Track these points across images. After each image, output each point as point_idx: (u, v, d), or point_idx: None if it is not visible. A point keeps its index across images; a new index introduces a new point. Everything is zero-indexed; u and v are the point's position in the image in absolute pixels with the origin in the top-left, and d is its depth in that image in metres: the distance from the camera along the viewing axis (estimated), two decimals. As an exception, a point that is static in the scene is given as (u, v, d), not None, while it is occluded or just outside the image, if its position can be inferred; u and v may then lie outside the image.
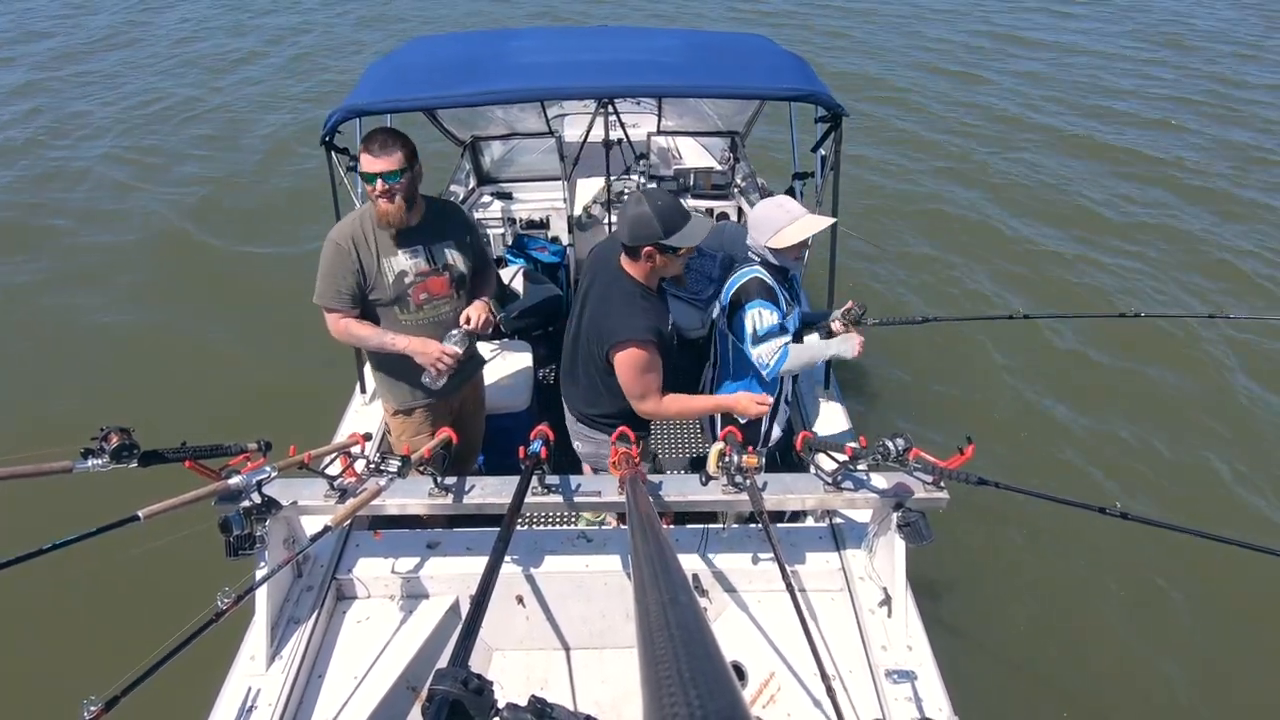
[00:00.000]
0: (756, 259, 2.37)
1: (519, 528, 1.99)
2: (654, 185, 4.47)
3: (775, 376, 2.33)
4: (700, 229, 2.07)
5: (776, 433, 2.62)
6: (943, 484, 1.76)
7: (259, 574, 1.72)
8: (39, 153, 8.18)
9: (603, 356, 2.20)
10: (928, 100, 9.36)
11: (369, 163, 2.10)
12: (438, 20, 13.08)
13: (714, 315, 2.56)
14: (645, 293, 2.17)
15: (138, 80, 10.34)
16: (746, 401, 2.27)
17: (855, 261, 5.83)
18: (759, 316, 2.26)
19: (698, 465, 3.71)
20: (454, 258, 2.36)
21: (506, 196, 4.59)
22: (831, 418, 2.91)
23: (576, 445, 2.61)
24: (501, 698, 0.78)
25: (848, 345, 2.36)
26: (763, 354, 2.27)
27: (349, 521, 1.73)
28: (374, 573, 1.99)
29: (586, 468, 2.75)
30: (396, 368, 2.42)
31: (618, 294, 2.16)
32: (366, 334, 2.29)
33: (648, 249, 2.05)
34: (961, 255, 6.20)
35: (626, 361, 2.12)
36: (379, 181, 2.10)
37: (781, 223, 2.26)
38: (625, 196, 4.43)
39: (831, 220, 2.33)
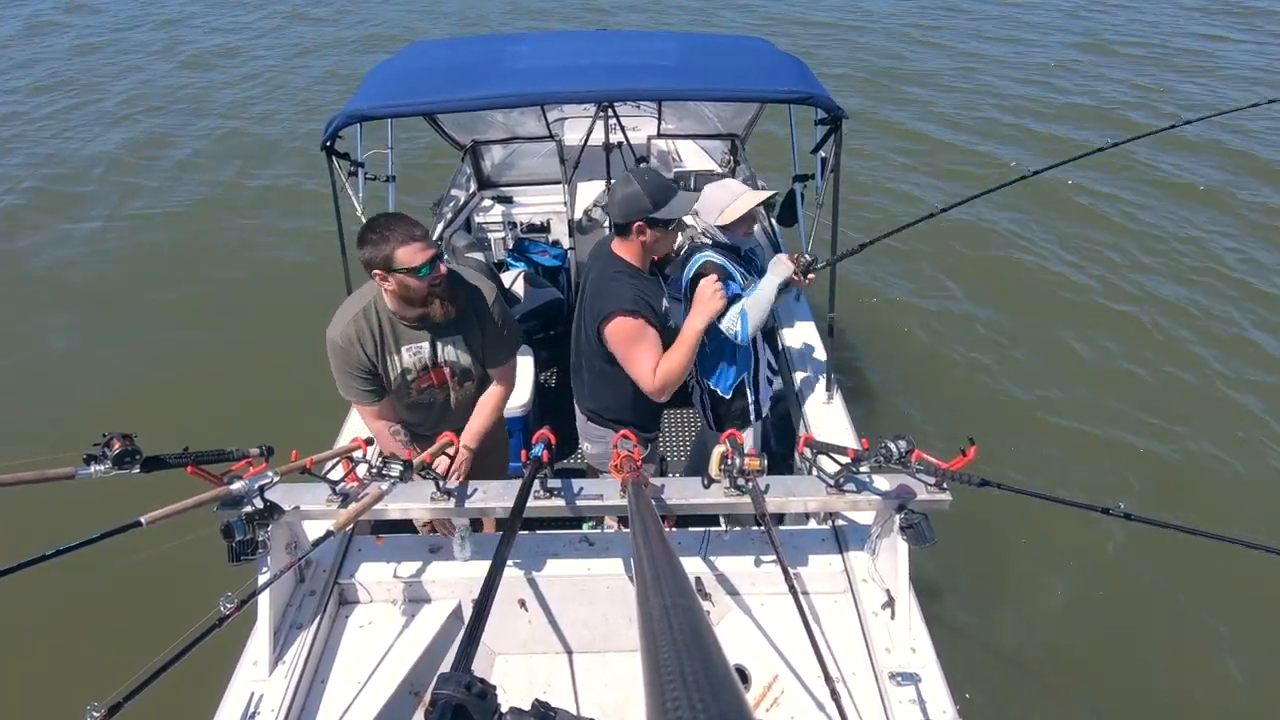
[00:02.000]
0: (708, 241, 2.49)
1: (521, 531, 1.99)
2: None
3: (748, 339, 2.41)
4: (687, 202, 2.16)
5: (766, 406, 2.68)
6: (945, 485, 1.75)
7: (261, 579, 1.72)
8: (31, 150, 8.21)
9: (596, 337, 2.24)
10: (928, 98, 9.36)
11: (419, 252, 1.84)
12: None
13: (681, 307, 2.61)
14: (634, 271, 2.22)
15: (129, 78, 10.37)
16: (705, 299, 2.18)
17: (856, 261, 5.83)
18: None
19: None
20: (456, 354, 2.17)
21: (507, 200, 4.60)
22: (833, 420, 2.91)
23: (586, 447, 2.61)
24: (505, 702, 0.78)
25: (779, 268, 2.41)
26: (729, 323, 2.38)
27: (351, 526, 1.73)
28: (376, 577, 1.99)
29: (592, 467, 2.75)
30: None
31: (607, 274, 2.22)
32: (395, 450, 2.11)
33: (638, 224, 2.13)
34: (964, 250, 6.20)
35: (614, 334, 2.16)
36: (439, 266, 1.88)
37: (725, 201, 2.41)
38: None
39: (770, 193, 2.46)
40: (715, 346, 2.54)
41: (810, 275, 2.48)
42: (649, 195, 2.08)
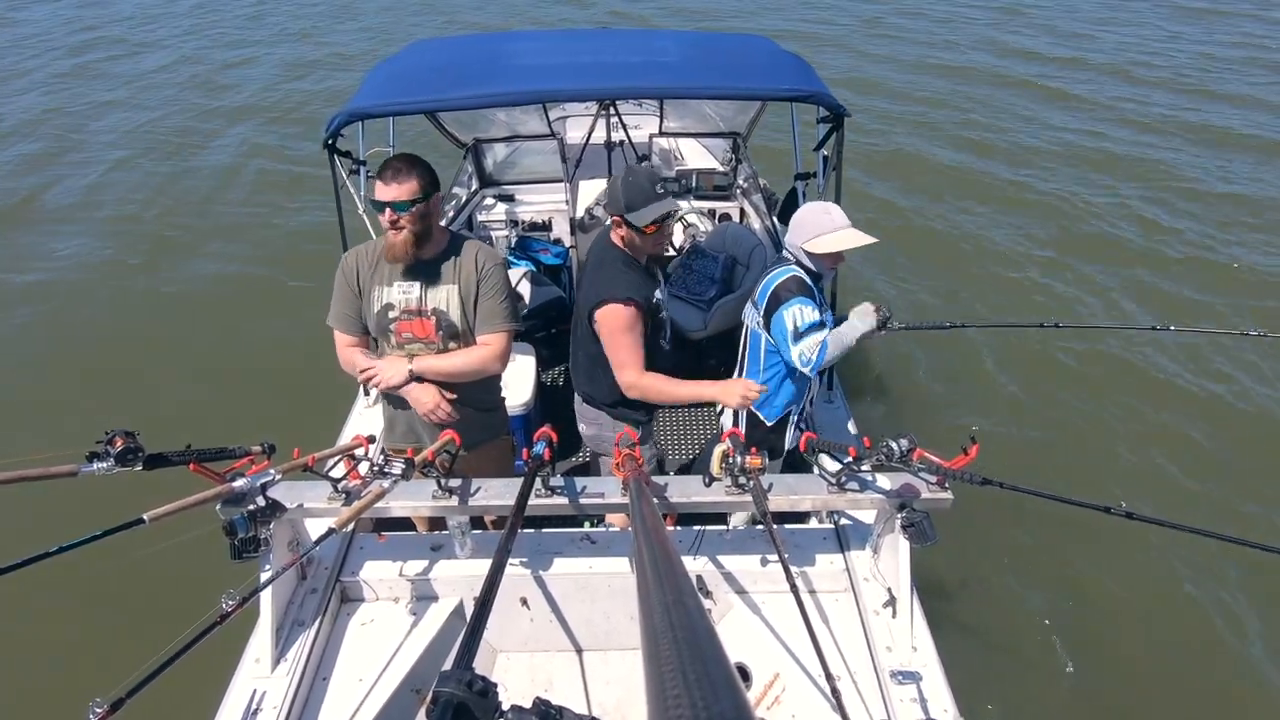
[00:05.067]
0: (791, 259, 2.35)
1: (523, 529, 1.99)
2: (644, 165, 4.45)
3: (815, 371, 2.29)
4: (654, 211, 2.10)
5: (794, 443, 2.58)
6: (947, 484, 1.75)
7: (263, 576, 1.72)
8: (37, 152, 8.23)
9: (589, 321, 2.26)
10: (931, 101, 9.34)
11: (380, 190, 2.00)
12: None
13: (745, 315, 2.52)
14: (629, 260, 2.24)
15: (146, 77, 10.38)
16: (735, 392, 2.19)
17: (856, 261, 5.83)
18: (800, 313, 2.23)
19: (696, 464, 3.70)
20: (447, 304, 2.16)
21: (509, 199, 4.60)
22: (835, 419, 2.91)
23: (581, 428, 2.63)
24: (506, 700, 0.78)
25: (865, 317, 2.30)
26: (805, 350, 2.24)
27: (353, 524, 1.74)
28: (378, 575, 1.99)
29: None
30: (387, 406, 2.36)
31: (606, 261, 2.25)
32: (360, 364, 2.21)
33: (615, 218, 2.17)
34: (965, 250, 6.19)
35: (604, 321, 2.18)
36: (388, 210, 2.01)
37: (823, 228, 2.24)
38: None
39: (873, 239, 2.25)
40: (774, 367, 2.42)
41: (882, 330, 2.38)
42: (624, 195, 2.10)
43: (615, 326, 2.16)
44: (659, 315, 2.31)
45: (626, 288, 2.15)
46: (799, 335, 2.23)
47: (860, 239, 2.23)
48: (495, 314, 2.17)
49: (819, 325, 2.25)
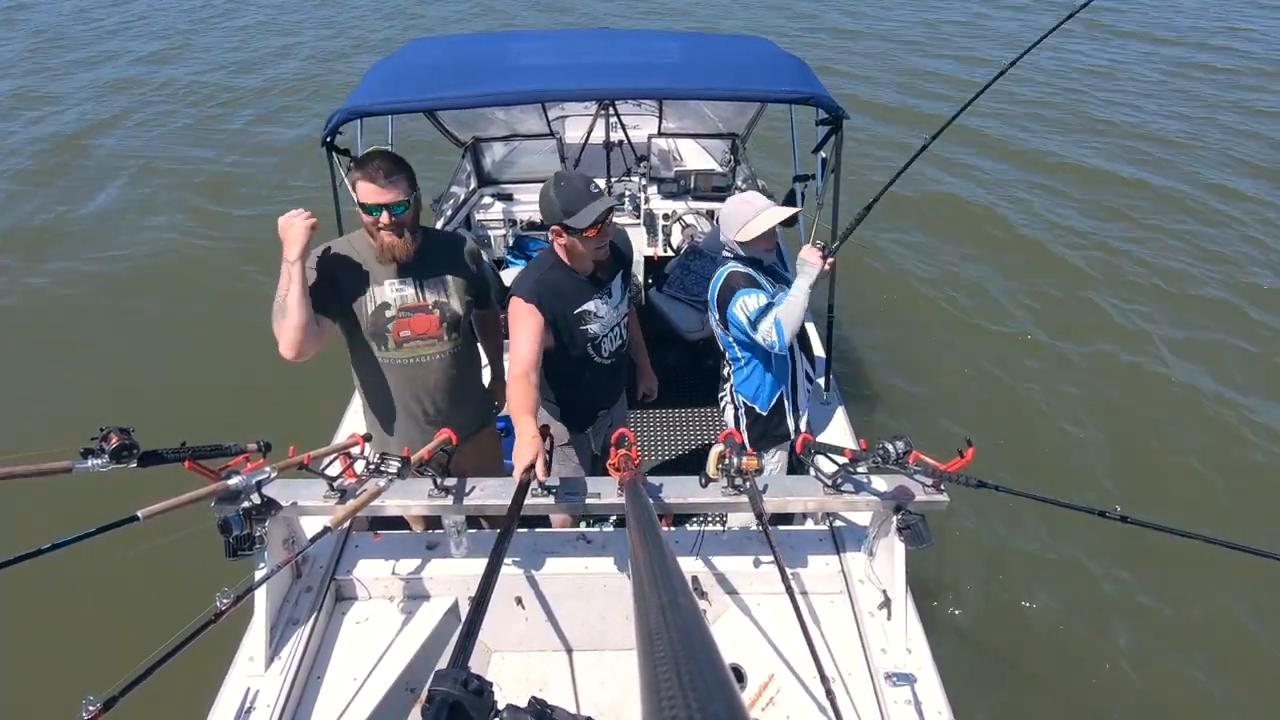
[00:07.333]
0: (730, 255, 2.46)
1: (519, 529, 1.99)
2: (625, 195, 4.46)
3: (785, 346, 2.34)
4: (594, 212, 2.06)
5: (802, 424, 2.61)
6: (943, 487, 1.76)
7: (258, 574, 1.72)
8: (44, 156, 8.20)
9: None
10: (933, 99, 9.36)
11: (373, 193, 1.93)
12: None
13: (709, 319, 2.58)
14: (556, 263, 2.23)
15: (139, 77, 10.35)
16: (523, 455, 1.73)
17: (855, 257, 5.83)
18: (745, 304, 2.32)
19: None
20: (448, 294, 2.18)
21: (507, 198, 4.60)
22: (831, 421, 2.92)
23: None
24: (501, 699, 0.78)
25: (809, 265, 2.33)
26: (765, 333, 2.31)
27: (348, 522, 1.73)
28: (373, 574, 1.99)
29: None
30: (378, 410, 2.31)
31: (537, 261, 2.28)
32: (283, 304, 1.95)
33: (555, 228, 2.14)
34: (965, 252, 6.21)
35: (509, 313, 2.19)
36: (384, 213, 1.95)
37: (745, 217, 2.35)
38: (626, 197, 4.45)
39: (794, 210, 2.41)
40: (749, 357, 2.49)
41: (830, 260, 2.39)
42: (560, 201, 2.06)
43: (510, 318, 2.17)
44: (583, 328, 2.28)
45: (533, 288, 2.15)
46: (754, 324, 2.32)
47: (781, 213, 2.34)
48: (497, 291, 2.37)
49: (768, 307, 2.33)
